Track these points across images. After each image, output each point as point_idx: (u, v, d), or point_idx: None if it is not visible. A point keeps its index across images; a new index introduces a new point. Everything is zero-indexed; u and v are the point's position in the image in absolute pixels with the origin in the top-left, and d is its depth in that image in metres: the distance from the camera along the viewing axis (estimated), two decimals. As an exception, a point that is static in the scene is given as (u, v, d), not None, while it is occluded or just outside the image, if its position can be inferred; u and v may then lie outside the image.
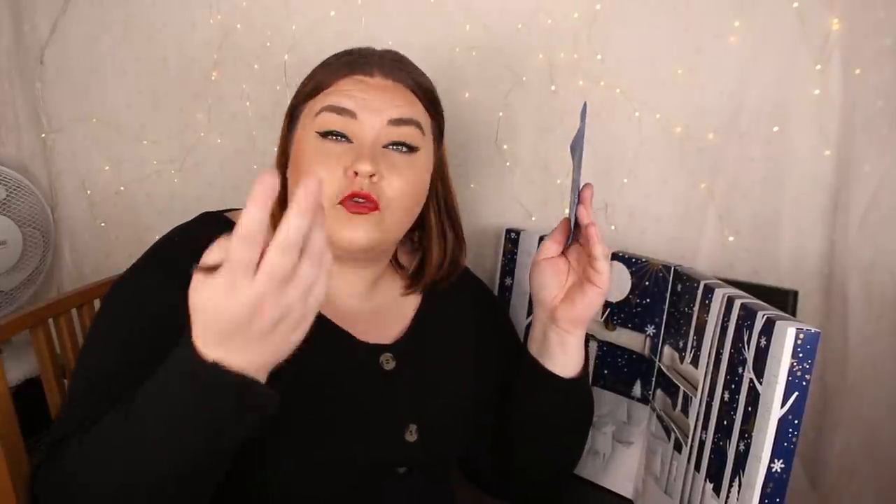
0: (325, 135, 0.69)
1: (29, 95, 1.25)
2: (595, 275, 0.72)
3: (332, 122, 0.69)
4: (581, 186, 0.72)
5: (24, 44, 1.23)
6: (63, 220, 1.29)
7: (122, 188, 1.25)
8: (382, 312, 0.78)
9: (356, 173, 0.67)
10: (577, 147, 0.72)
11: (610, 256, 0.74)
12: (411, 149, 0.71)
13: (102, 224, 1.28)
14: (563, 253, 0.77)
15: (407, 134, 0.71)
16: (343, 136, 0.69)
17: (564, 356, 0.78)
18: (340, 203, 0.68)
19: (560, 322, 0.76)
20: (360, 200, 0.68)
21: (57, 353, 0.91)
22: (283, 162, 0.75)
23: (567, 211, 0.74)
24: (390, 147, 0.70)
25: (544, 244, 0.77)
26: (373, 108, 0.70)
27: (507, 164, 1.12)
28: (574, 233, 0.74)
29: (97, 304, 1.00)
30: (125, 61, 1.21)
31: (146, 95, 1.21)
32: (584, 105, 0.71)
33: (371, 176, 0.67)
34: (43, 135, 1.26)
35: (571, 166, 0.72)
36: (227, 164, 1.21)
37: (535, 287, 0.78)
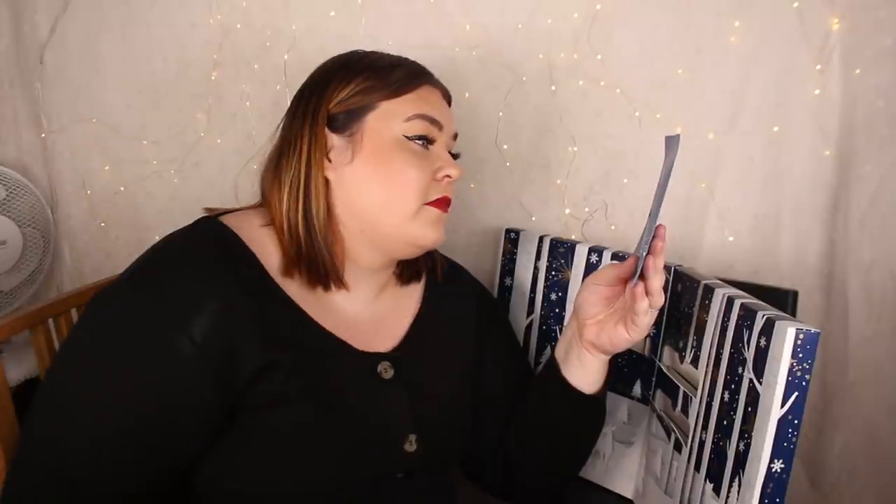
0: (412, 139, 0.73)
1: (29, 95, 1.25)
2: (632, 325, 0.73)
3: (424, 128, 0.73)
4: (656, 227, 0.69)
5: (24, 44, 1.23)
6: (63, 220, 1.29)
7: (122, 188, 1.25)
8: (382, 319, 0.78)
9: (449, 177, 0.74)
10: (662, 181, 0.69)
11: (655, 315, 0.73)
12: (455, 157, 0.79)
13: (102, 224, 1.28)
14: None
15: (456, 146, 0.80)
16: (428, 141, 0.74)
17: (582, 370, 0.79)
18: (433, 205, 0.73)
19: (584, 340, 0.77)
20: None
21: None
22: (317, 158, 0.71)
23: (641, 247, 0.71)
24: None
25: (607, 271, 0.77)
26: (448, 122, 0.77)
27: (507, 164, 1.12)
28: (641, 271, 0.71)
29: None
30: (125, 61, 1.21)
31: (146, 95, 1.21)
32: (676, 137, 0.68)
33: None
34: (43, 135, 1.26)
35: (651, 205, 0.70)
36: (226, 164, 1.21)
37: (578, 299, 0.78)
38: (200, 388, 0.62)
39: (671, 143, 0.69)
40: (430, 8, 1.09)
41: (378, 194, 0.71)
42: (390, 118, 0.72)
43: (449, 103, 0.80)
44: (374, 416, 0.71)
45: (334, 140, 0.72)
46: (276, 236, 0.71)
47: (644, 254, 0.70)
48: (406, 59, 0.77)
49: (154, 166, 1.24)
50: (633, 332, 0.73)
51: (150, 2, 1.18)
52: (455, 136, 0.79)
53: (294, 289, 0.71)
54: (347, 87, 0.72)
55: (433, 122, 0.74)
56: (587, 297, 0.77)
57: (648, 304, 0.70)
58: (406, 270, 0.82)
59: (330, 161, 0.72)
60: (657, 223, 0.69)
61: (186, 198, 1.23)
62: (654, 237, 0.69)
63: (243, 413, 0.64)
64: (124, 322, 0.62)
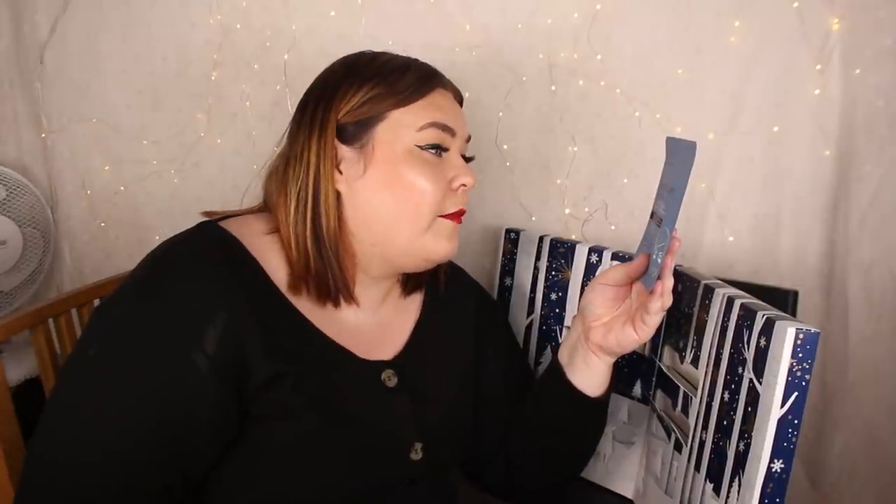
0: (425, 148, 0.71)
1: (29, 95, 1.25)
2: (641, 325, 0.72)
3: (437, 137, 0.71)
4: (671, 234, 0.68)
5: (24, 44, 1.23)
6: (63, 220, 1.29)
7: (122, 188, 1.25)
8: (385, 326, 0.77)
9: (464, 185, 0.73)
10: (677, 188, 0.67)
11: (664, 315, 0.72)
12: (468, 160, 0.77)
13: (102, 224, 1.28)
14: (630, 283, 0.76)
15: (468, 148, 0.78)
16: (441, 149, 0.72)
17: (588, 373, 0.78)
18: (448, 217, 0.72)
19: (590, 343, 0.77)
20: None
21: (57, 353, 0.91)
22: (327, 170, 0.69)
23: (654, 250, 0.71)
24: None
25: (615, 271, 0.76)
26: (460, 126, 0.74)
27: (507, 164, 1.12)
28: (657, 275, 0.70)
29: (97, 304, 1.00)
30: (125, 61, 1.21)
31: (146, 95, 1.21)
32: (692, 146, 0.66)
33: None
34: (43, 135, 1.26)
35: (659, 201, 0.70)
36: (226, 164, 1.21)
37: (584, 301, 0.78)
38: (214, 399, 0.61)
39: (676, 145, 0.69)
40: (430, 8, 1.09)
41: (391, 207, 0.69)
42: (402, 128, 0.70)
43: (461, 104, 0.78)
44: (380, 424, 0.71)
45: (345, 152, 0.70)
46: (282, 247, 0.70)
47: (660, 256, 0.70)
48: (416, 61, 0.74)
49: (154, 166, 1.24)
50: (641, 332, 0.72)
51: (150, 2, 1.18)
52: (468, 139, 0.77)
53: (297, 297, 0.70)
54: (356, 95, 0.70)
55: (446, 128, 0.71)
56: (593, 297, 0.76)
57: (661, 305, 0.70)
58: (410, 282, 0.81)
59: (341, 173, 0.70)
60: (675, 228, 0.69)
61: (186, 198, 1.23)
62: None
63: (251, 423, 0.63)
64: (134, 335, 0.60)
